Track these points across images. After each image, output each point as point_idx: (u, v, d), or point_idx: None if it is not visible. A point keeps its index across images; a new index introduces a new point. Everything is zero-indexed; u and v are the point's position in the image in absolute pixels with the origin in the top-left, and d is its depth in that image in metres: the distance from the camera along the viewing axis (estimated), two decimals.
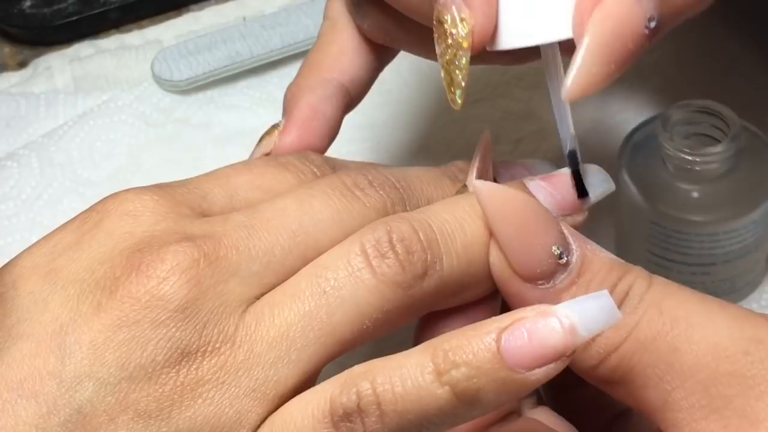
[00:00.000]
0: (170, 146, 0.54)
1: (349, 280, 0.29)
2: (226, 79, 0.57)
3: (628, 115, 0.53)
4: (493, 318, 0.28)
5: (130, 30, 0.61)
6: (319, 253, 0.30)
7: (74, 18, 0.60)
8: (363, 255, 0.29)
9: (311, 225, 0.30)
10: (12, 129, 0.55)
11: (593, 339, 0.29)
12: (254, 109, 0.56)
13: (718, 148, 0.42)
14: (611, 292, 0.28)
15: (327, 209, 0.31)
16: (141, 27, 0.61)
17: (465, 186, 0.34)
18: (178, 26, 0.60)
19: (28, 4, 0.61)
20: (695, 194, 0.43)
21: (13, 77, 0.58)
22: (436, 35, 0.31)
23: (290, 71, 0.57)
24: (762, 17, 0.56)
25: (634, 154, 0.45)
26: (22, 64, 0.59)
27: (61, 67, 0.58)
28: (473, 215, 0.30)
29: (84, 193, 0.52)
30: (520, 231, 0.30)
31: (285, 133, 0.38)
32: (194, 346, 0.28)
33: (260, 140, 0.38)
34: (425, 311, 0.31)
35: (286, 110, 0.38)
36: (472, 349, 0.27)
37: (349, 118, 0.55)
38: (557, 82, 0.32)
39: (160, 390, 0.28)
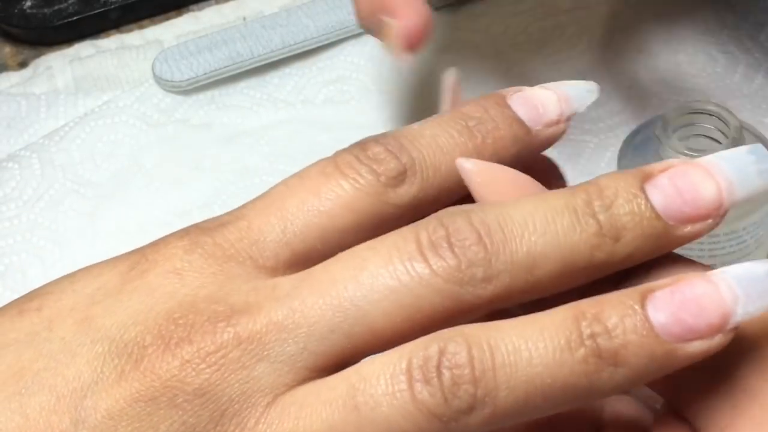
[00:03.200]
0: (171, 146, 0.54)
1: (385, 399, 0.26)
2: (227, 79, 0.57)
3: (628, 115, 0.53)
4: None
5: (130, 30, 0.61)
6: (370, 330, 0.27)
7: (75, 18, 0.60)
8: (407, 374, 0.26)
9: (362, 299, 0.27)
10: (13, 130, 0.55)
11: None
12: (255, 109, 0.56)
13: (718, 150, 0.42)
14: None
15: (383, 280, 0.27)
16: (141, 27, 0.61)
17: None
18: (178, 26, 0.60)
19: (28, 4, 0.61)
20: None
21: (13, 77, 0.59)
22: None
23: (291, 71, 0.58)
24: (761, 18, 0.56)
25: (634, 155, 0.45)
26: (22, 65, 0.59)
27: (62, 67, 0.58)
28: (549, 338, 0.26)
29: (85, 194, 0.53)
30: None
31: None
32: None
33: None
34: None
35: (379, 7, 0.39)
36: None
37: (349, 118, 0.56)
38: None
39: None
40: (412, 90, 0.56)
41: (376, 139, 0.30)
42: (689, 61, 0.55)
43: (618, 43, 0.57)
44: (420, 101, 0.55)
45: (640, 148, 0.45)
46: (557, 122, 0.32)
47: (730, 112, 0.43)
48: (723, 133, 0.43)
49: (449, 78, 0.35)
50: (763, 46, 0.55)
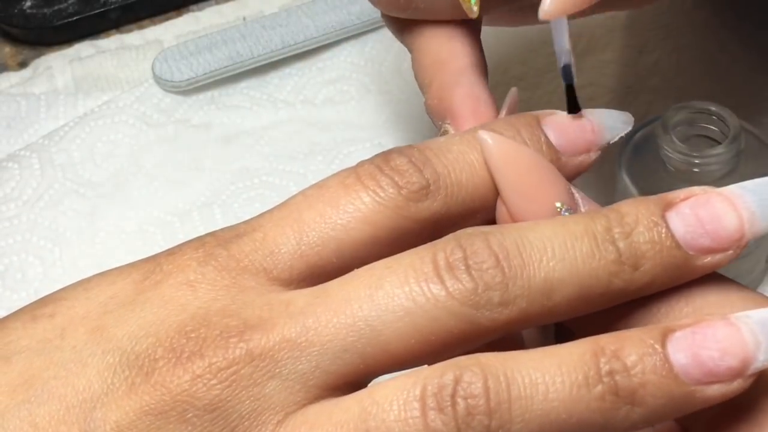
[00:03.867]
0: (171, 146, 0.54)
1: (397, 426, 0.26)
2: (227, 79, 0.57)
3: None
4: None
5: (130, 30, 0.61)
6: (384, 350, 0.27)
7: (74, 18, 0.60)
8: (421, 401, 0.26)
9: (376, 319, 0.27)
10: (12, 130, 0.55)
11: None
12: (254, 110, 0.56)
13: (718, 150, 0.42)
14: None
15: (399, 300, 0.27)
16: (141, 27, 0.61)
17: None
18: (178, 26, 0.60)
19: (28, 4, 0.61)
20: None
21: (13, 77, 0.58)
22: None
23: (291, 71, 0.57)
24: (761, 18, 0.56)
25: (634, 155, 0.45)
26: (22, 65, 0.59)
27: (62, 67, 0.58)
28: (567, 373, 0.26)
29: (85, 194, 0.53)
30: (522, 183, 0.29)
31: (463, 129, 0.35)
32: None
33: None
34: None
35: (446, 112, 0.36)
36: None
37: (349, 119, 0.56)
38: None
39: None
40: (412, 90, 0.56)
41: (400, 150, 0.30)
42: (689, 61, 0.55)
43: (618, 43, 0.57)
44: (420, 101, 0.55)
45: (640, 149, 0.45)
46: (588, 151, 0.32)
47: (730, 112, 0.43)
48: (723, 133, 0.43)
49: (511, 96, 0.35)
50: (763, 46, 0.55)
